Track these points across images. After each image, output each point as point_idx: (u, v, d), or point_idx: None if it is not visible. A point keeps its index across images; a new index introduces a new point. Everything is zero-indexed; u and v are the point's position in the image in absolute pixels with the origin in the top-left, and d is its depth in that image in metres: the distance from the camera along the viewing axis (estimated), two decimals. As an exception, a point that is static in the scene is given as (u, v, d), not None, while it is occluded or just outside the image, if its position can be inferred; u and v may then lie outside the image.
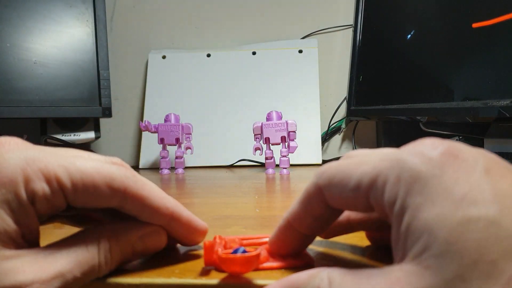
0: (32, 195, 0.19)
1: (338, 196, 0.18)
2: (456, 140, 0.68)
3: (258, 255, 0.20)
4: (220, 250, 0.21)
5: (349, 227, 0.24)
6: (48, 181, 0.19)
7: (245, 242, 0.25)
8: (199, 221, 0.24)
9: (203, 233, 0.24)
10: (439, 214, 0.15)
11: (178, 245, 0.26)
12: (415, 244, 0.15)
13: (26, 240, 0.19)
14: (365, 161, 0.18)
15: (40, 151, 0.20)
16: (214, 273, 0.22)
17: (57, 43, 0.82)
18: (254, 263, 0.20)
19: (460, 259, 0.14)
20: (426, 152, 0.16)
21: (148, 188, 0.22)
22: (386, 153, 0.17)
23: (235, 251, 0.21)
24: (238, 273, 0.21)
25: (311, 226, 0.21)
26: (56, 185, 0.19)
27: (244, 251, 0.21)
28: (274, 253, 0.23)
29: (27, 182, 0.19)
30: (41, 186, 0.19)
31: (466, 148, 0.17)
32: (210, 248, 0.22)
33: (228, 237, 0.25)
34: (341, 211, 0.20)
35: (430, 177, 0.15)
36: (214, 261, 0.22)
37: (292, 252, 0.22)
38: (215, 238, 0.24)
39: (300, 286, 0.18)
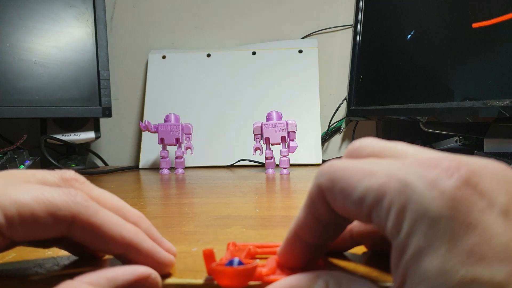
0: None
1: (341, 204, 0.17)
2: (457, 140, 0.68)
3: (253, 269, 0.19)
4: (216, 261, 0.20)
5: (352, 242, 0.23)
6: None
7: (259, 250, 0.24)
8: (162, 254, 0.21)
9: (167, 265, 0.22)
10: (441, 268, 0.13)
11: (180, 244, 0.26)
12: None
13: None
14: (372, 172, 0.16)
15: None
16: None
17: (57, 43, 0.82)
18: (247, 277, 0.19)
19: None
20: (439, 181, 0.14)
21: (102, 215, 0.20)
22: (395, 166, 0.16)
23: (230, 263, 0.19)
24: (231, 286, 0.19)
25: (318, 234, 0.19)
26: None
27: (240, 263, 0.19)
28: (283, 266, 0.21)
29: None
30: None
31: (487, 174, 0.14)
32: (208, 257, 0.20)
33: (242, 244, 0.24)
34: (349, 219, 0.19)
35: (438, 218, 0.14)
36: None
37: (302, 264, 0.21)
38: (228, 245, 0.23)
39: None
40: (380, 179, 0.15)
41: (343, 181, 0.17)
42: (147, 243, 0.21)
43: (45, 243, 0.23)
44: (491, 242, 0.13)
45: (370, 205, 0.16)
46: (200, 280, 0.21)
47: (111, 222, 0.20)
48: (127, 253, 0.20)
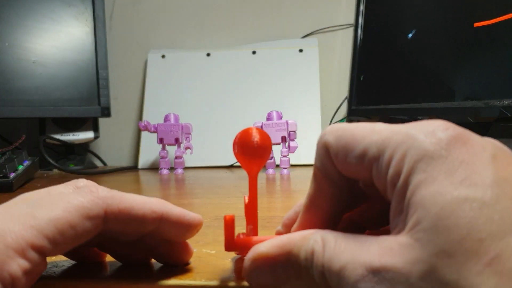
0: (11, 279, 0.17)
1: (342, 159, 0.18)
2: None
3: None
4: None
5: (353, 226, 0.22)
6: (23, 255, 0.17)
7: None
8: (191, 215, 0.22)
9: (198, 225, 0.23)
10: (436, 191, 0.15)
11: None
12: (411, 218, 0.15)
13: None
14: (375, 130, 0.17)
15: None
16: (213, 274, 0.21)
17: (56, 42, 0.81)
18: None
19: (448, 235, 0.14)
20: (436, 132, 0.16)
21: (127, 198, 0.21)
22: (397, 127, 0.17)
23: None
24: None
25: (332, 196, 0.19)
26: (34, 254, 0.18)
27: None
28: None
29: (1, 266, 0.17)
30: (16, 265, 0.17)
31: (475, 136, 0.17)
32: (230, 226, 0.21)
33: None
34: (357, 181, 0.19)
35: (436, 157, 0.15)
36: (237, 243, 0.21)
37: None
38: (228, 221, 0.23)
39: (293, 247, 0.18)
40: (384, 135, 0.17)
41: (347, 137, 0.18)
42: (176, 210, 0.22)
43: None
44: (482, 173, 0.15)
45: (372, 157, 0.17)
46: (200, 281, 0.21)
47: (138, 202, 0.21)
48: (160, 225, 0.21)
